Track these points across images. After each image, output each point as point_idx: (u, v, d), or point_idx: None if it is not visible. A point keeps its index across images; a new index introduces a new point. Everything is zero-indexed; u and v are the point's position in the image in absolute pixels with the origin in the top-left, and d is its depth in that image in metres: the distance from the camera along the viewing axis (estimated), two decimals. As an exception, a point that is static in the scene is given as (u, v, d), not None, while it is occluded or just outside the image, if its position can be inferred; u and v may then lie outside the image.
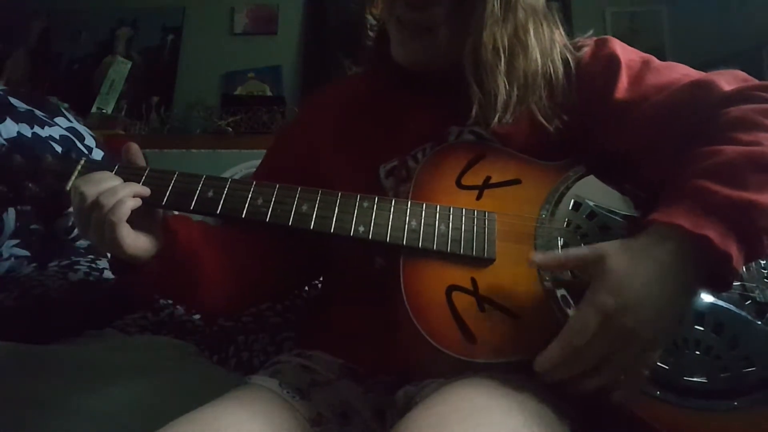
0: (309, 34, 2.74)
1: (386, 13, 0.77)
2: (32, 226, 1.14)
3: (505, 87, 0.72)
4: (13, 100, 1.22)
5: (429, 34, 0.73)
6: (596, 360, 0.56)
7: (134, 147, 0.74)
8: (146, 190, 0.69)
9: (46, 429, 0.74)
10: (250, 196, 0.70)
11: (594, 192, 0.72)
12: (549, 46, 0.76)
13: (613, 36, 0.82)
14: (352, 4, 2.58)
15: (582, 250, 0.61)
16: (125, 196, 0.65)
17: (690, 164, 0.62)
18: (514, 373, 0.60)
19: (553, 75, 0.76)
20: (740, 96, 0.66)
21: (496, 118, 0.72)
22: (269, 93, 2.68)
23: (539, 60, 0.74)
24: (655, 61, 0.77)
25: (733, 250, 0.55)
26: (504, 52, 0.71)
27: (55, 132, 1.26)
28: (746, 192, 0.57)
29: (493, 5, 0.69)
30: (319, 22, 2.73)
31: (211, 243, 0.77)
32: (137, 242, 0.67)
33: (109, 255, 0.77)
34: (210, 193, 0.70)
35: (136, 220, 0.67)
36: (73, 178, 0.70)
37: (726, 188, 0.57)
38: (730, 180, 0.58)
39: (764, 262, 0.69)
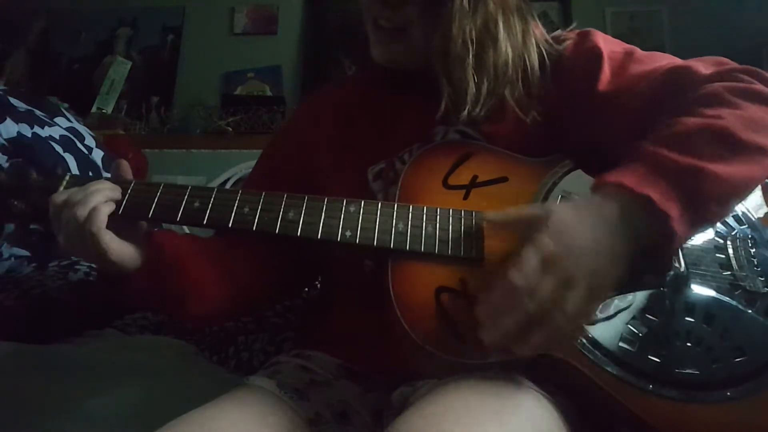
0: (309, 34, 2.74)
1: (365, 15, 0.77)
2: (32, 227, 1.15)
3: (474, 80, 0.72)
4: (13, 100, 1.22)
5: (403, 34, 0.74)
6: (534, 302, 0.54)
7: (124, 164, 0.73)
8: (117, 193, 0.68)
9: (46, 429, 0.75)
10: (236, 204, 0.70)
11: (582, 186, 0.72)
12: (521, 38, 0.75)
13: (613, 36, 0.82)
14: (352, 4, 2.58)
15: (532, 207, 0.63)
16: (98, 203, 0.65)
17: (650, 134, 0.63)
18: (507, 371, 0.61)
19: (528, 67, 0.76)
20: (716, 77, 0.67)
21: (466, 111, 0.72)
22: (269, 93, 2.68)
23: (510, 52, 0.73)
24: (638, 51, 0.77)
25: (674, 211, 0.55)
26: (472, 45, 0.71)
27: (55, 132, 1.26)
28: (697, 159, 0.57)
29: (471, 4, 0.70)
30: (319, 22, 2.74)
31: (198, 254, 0.77)
32: (122, 249, 0.67)
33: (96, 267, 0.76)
34: (196, 204, 0.70)
35: (120, 231, 0.67)
36: (58, 192, 0.69)
37: (676, 154, 0.58)
38: (682, 147, 0.58)
39: (753, 250, 0.69)
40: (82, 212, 0.64)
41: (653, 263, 0.64)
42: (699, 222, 0.58)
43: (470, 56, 0.71)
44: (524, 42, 0.76)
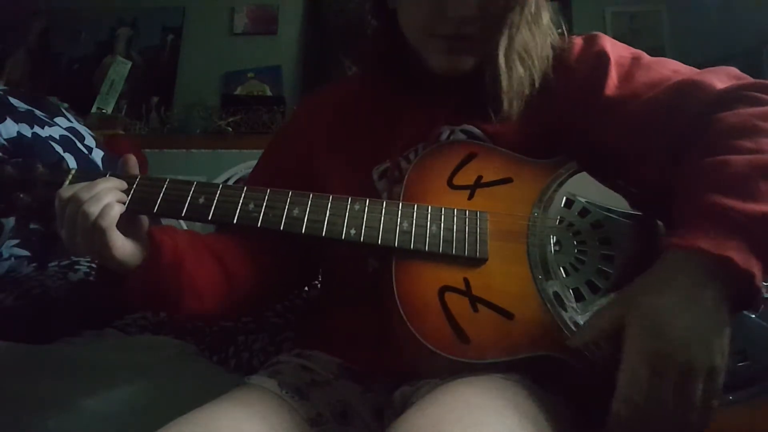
0: (309, 34, 2.75)
1: (421, 29, 0.76)
2: (32, 226, 1.14)
3: (514, 85, 0.74)
4: (13, 100, 1.22)
5: (470, 43, 0.74)
6: (662, 407, 0.53)
7: (132, 160, 0.74)
8: (124, 194, 0.69)
9: (46, 429, 0.75)
10: (241, 201, 0.70)
11: (586, 189, 0.72)
12: (544, 43, 0.77)
13: (613, 36, 0.82)
14: (352, 4, 2.58)
15: (608, 310, 0.59)
16: (112, 201, 0.66)
17: (698, 178, 0.61)
18: (509, 372, 0.60)
19: (545, 64, 0.77)
20: (734, 97, 0.66)
21: (502, 114, 0.74)
22: (269, 93, 2.68)
23: (538, 61, 0.75)
24: (645, 57, 0.77)
25: (755, 268, 0.55)
26: (527, 55, 0.74)
27: (55, 132, 1.26)
28: (759, 203, 0.56)
29: (523, 10, 0.72)
30: (319, 22, 2.74)
31: (199, 252, 0.77)
32: (125, 247, 0.68)
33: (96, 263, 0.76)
34: (201, 200, 0.70)
35: (123, 227, 0.67)
36: (64, 187, 0.70)
37: (740, 202, 0.56)
38: (742, 193, 0.57)
39: None
40: (94, 209, 0.65)
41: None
42: None
43: (525, 65, 0.74)
44: (545, 46, 0.77)
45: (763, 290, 0.64)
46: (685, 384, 0.53)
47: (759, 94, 0.65)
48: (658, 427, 0.54)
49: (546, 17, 0.78)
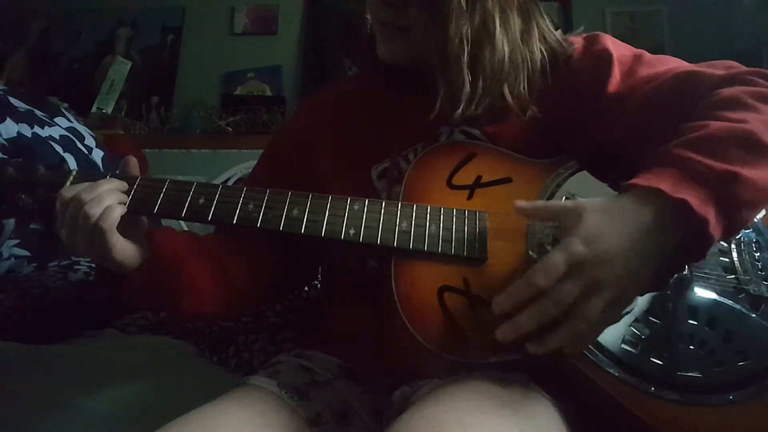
0: (309, 34, 2.75)
1: (371, 16, 0.78)
2: (32, 226, 1.14)
3: (469, 78, 0.72)
4: (13, 100, 1.22)
5: (407, 33, 0.74)
6: (558, 308, 0.54)
7: (133, 161, 0.74)
8: (125, 196, 0.69)
9: (46, 429, 0.75)
10: (240, 202, 0.70)
11: (586, 188, 0.72)
12: (521, 36, 0.75)
13: (613, 36, 0.82)
14: (352, 4, 2.58)
15: (563, 202, 0.62)
16: (113, 203, 0.66)
17: (675, 136, 0.62)
18: (508, 372, 0.61)
19: (530, 65, 0.76)
20: (732, 79, 0.66)
21: (460, 110, 0.72)
22: (269, 93, 2.68)
23: (507, 50, 0.73)
24: (647, 55, 0.78)
25: (711, 216, 0.55)
26: (468, 44, 0.71)
27: (55, 132, 1.26)
28: (729, 164, 0.57)
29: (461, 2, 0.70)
30: (319, 22, 2.74)
31: (196, 252, 0.77)
32: (125, 249, 0.68)
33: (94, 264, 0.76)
34: (201, 200, 0.71)
35: (123, 228, 0.67)
36: (66, 187, 0.70)
37: (709, 159, 0.57)
38: (712, 152, 0.58)
39: (758, 254, 0.69)
40: (95, 210, 0.65)
41: (675, 267, 0.63)
42: (731, 227, 0.57)
43: (465, 55, 0.71)
44: (524, 39, 0.75)
45: (761, 290, 0.65)
46: (588, 295, 0.54)
47: (755, 78, 0.66)
48: (541, 322, 0.55)
49: (529, 18, 0.76)
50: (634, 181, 0.59)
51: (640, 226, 0.56)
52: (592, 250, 0.55)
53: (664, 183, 0.56)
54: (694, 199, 0.55)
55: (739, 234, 0.68)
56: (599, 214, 0.57)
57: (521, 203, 0.63)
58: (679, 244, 0.57)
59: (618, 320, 0.58)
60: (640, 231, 0.56)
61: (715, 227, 0.55)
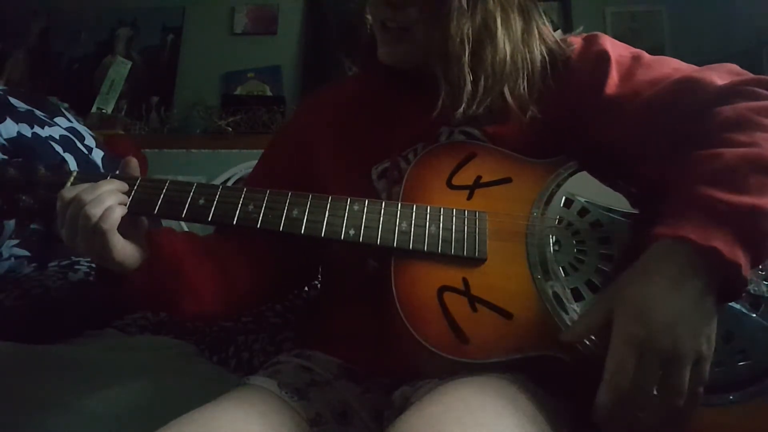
0: (309, 34, 2.74)
1: (372, 17, 0.78)
2: (32, 226, 1.14)
3: (470, 78, 0.72)
4: (13, 100, 1.22)
5: (408, 34, 0.74)
6: (649, 394, 0.53)
7: (133, 162, 0.74)
8: (125, 197, 0.69)
9: (46, 429, 0.75)
10: (240, 202, 0.70)
11: (585, 188, 0.72)
12: (521, 36, 0.75)
13: (613, 36, 0.82)
14: (352, 4, 2.58)
15: (597, 303, 0.60)
16: (113, 204, 0.66)
17: (689, 169, 0.61)
18: (509, 372, 0.60)
19: (530, 65, 0.76)
20: (733, 92, 0.66)
21: (462, 109, 0.72)
22: (269, 93, 2.68)
23: (508, 50, 0.73)
24: (646, 56, 0.77)
25: (742, 259, 0.55)
26: (469, 43, 0.71)
27: (55, 132, 1.26)
28: (748, 196, 0.56)
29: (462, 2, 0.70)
30: (319, 22, 2.73)
31: (196, 252, 0.77)
32: (125, 249, 0.68)
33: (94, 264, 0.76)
34: (201, 201, 0.71)
35: (123, 229, 0.67)
36: (66, 188, 0.70)
37: (728, 194, 0.57)
38: (731, 185, 0.57)
39: None
40: (96, 211, 0.65)
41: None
42: (759, 260, 0.57)
43: (467, 54, 0.71)
44: (525, 40, 0.76)
45: (762, 290, 0.64)
46: (671, 370, 0.53)
47: (758, 89, 0.65)
48: (645, 416, 0.54)
49: (529, 19, 0.77)
50: (660, 230, 0.58)
51: (676, 282, 0.55)
52: (645, 324, 0.54)
53: (690, 230, 0.56)
54: (723, 245, 0.54)
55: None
56: (636, 286, 0.56)
57: (567, 336, 0.60)
58: (716, 285, 0.56)
59: (706, 376, 0.56)
60: (678, 286, 0.55)
61: (746, 268, 0.55)
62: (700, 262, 0.55)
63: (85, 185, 0.68)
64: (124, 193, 0.70)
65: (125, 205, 0.69)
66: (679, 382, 0.53)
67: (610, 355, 0.54)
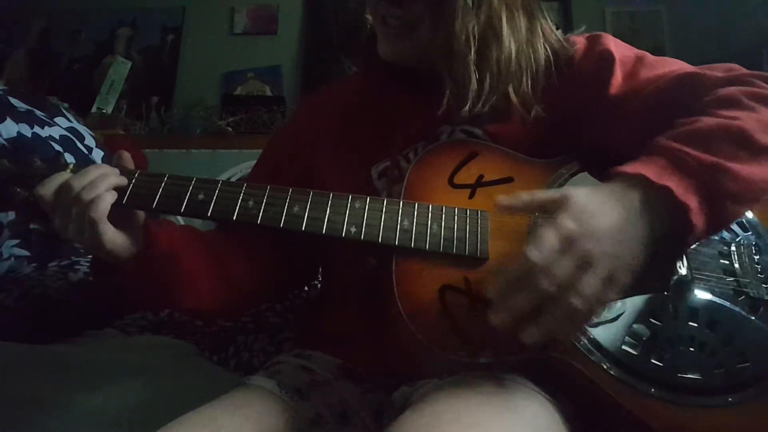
0: (309, 34, 2.74)
1: (372, 13, 0.78)
2: (32, 226, 1.14)
3: (476, 76, 0.72)
4: (13, 100, 1.22)
5: (411, 31, 0.74)
6: (552, 283, 0.53)
7: (126, 155, 0.73)
8: (123, 180, 0.68)
9: (46, 429, 0.75)
10: (240, 198, 0.70)
11: None
12: (526, 34, 0.75)
13: (613, 36, 0.82)
14: (352, 4, 2.58)
15: (548, 191, 0.61)
16: (103, 190, 0.65)
17: (667, 131, 0.62)
18: (508, 372, 0.60)
19: (534, 64, 0.76)
20: (732, 81, 0.67)
21: (467, 108, 0.72)
22: (269, 93, 2.68)
23: (513, 48, 0.73)
24: (649, 56, 0.78)
25: (693, 204, 0.56)
26: (475, 41, 0.71)
27: (55, 132, 1.26)
28: (716, 157, 0.58)
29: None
30: (319, 22, 2.74)
31: (194, 247, 0.77)
32: (116, 239, 0.66)
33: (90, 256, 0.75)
34: (201, 196, 0.70)
35: (117, 220, 0.66)
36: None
37: (696, 151, 0.58)
38: (701, 144, 0.58)
39: (757, 257, 0.69)
40: (88, 195, 0.63)
41: (664, 260, 0.63)
42: (715, 219, 0.58)
43: (472, 52, 0.71)
44: (529, 38, 0.76)
45: (761, 293, 0.65)
46: (581, 274, 0.53)
47: (755, 80, 0.66)
48: (535, 300, 0.54)
49: (533, 18, 0.77)
50: (620, 168, 0.59)
51: (625, 209, 0.56)
52: (582, 225, 0.54)
53: (649, 170, 0.57)
54: (677, 186, 0.56)
55: (725, 228, 0.68)
56: (586, 196, 0.57)
57: (502, 199, 0.62)
58: (665, 232, 0.57)
59: (610, 300, 0.56)
60: (626, 213, 0.56)
61: (697, 215, 0.56)
62: (653, 199, 0.57)
63: (80, 171, 0.67)
64: (122, 184, 0.68)
65: (119, 188, 0.67)
66: (584, 285, 0.53)
67: (537, 235, 0.54)
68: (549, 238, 0.54)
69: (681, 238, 0.58)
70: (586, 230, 0.54)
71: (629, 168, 0.58)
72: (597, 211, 0.56)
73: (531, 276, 0.53)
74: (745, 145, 0.59)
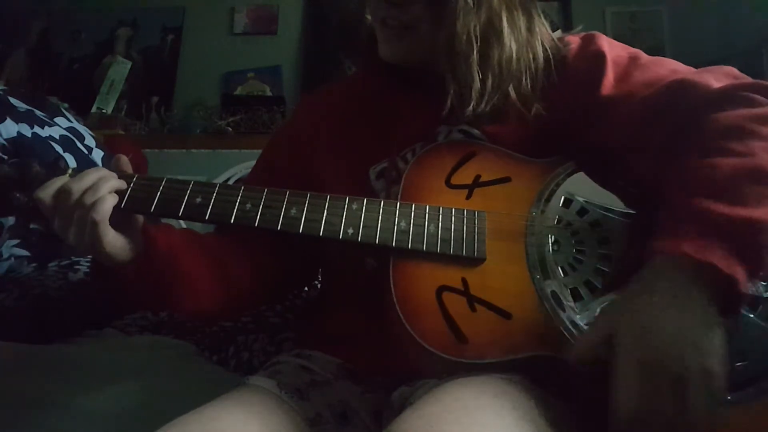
0: (309, 34, 2.75)
1: (372, 15, 0.78)
2: (32, 227, 1.14)
3: (479, 76, 0.72)
4: (13, 100, 1.23)
5: (411, 32, 0.74)
6: (662, 415, 0.51)
7: (123, 159, 0.73)
8: (122, 183, 0.68)
9: (46, 429, 0.75)
10: (238, 201, 0.70)
11: (584, 188, 0.72)
12: (525, 34, 0.76)
13: (613, 36, 0.82)
14: (352, 4, 2.58)
15: (599, 322, 0.59)
16: (104, 193, 0.65)
17: (685, 178, 0.61)
18: (507, 372, 0.60)
19: (533, 63, 0.76)
20: (729, 97, 0.66)
21: (471, 108, 0.72)
22: (269, 93, 2.68)
23: (514, 47, 0.73)
24: (643, 56, 0.77)
25: (739, 273, 0.54)
26: (477, 41, 0.71)
27: (55, 132, 1.26)
28: (745, 208, 0.56)
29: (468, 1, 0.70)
30: (319, 22, 2.74)
31: (194, 249, 0.77)
32: (116, 242, 0.67)
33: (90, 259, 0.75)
34: (198, 200, 0.70)
35: (117, 223, 0.66)
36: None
37: (725, 206, 0.56)
38: (727, 197, 0.57)
39: None
40: (90, 199, 0.64)
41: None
42: (758, 272, 0.57)
43: (475, 52, 0.71)
44: (528, 38, 0.76)
45: (759, 290, 0.64)
46: (680, 388, 0.52)
47: (755, 96, 0.65)
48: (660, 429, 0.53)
49: (531, 17, 0.77)
50: (659, 246, 0.57)
51: (676, 299, 0.54)
52: (648, 345, 0.52)
53: (686, 244, 0.55)
54: (720, 260, 0.54)
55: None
56: (636, 306, 0.55)
57: (571, 359, 0.58)
58: (716, 300, 0.55)
59: (723, 387, 0.53)
60: (678, 303, 0.54)
61: (743, 282, 0.55)
62: (699, 277, 0.55)
63: (78, 174, 0.67)
64: (121, 188, 0.69)
65: (119, 191, 0.67)
66: (689, 399, 0.51)
67: (616, 378, 0.53)
68: (630, 381, 0.51)
69: (732, 305, 0.56)
70: (659, 351, 0.52)
71: (667, 246, 0.57)
72: (654, 318, 0.53)
73: (641, 422, 0.51)
74: (765, 182, 0.58)
